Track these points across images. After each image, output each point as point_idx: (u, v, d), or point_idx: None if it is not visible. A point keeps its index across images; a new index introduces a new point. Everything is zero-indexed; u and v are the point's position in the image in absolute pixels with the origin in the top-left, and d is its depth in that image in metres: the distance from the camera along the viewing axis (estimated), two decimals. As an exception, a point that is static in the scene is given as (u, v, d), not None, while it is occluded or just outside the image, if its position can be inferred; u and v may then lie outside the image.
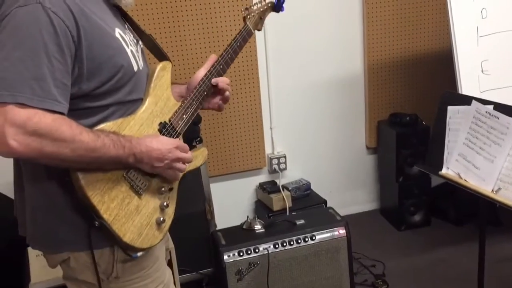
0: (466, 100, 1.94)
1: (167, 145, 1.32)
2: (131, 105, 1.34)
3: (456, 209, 3.33)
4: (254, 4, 1.75)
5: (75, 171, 1.19)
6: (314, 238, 2.45)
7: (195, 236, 2.70)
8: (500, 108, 1.83)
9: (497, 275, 2.72)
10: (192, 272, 2.89)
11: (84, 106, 1.25)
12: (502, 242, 3.03)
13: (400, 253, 3.06)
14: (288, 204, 3.06)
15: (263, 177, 3.34)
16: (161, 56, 1.51)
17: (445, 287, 2.70)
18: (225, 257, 2.35)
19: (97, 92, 1.25)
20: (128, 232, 1.26)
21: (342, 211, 2.67)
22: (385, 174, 3.50)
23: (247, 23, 1.69)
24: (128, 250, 1.29)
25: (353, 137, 3.52)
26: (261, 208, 3.18)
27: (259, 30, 1.78)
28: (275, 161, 3.29)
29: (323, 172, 3.47)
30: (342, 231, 2.50)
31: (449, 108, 1.99)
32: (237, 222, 2.62)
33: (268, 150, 3.32)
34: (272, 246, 2.40)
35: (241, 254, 2.37)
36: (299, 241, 2.44)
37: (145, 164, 1.29)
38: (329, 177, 3.49)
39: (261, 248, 2.39)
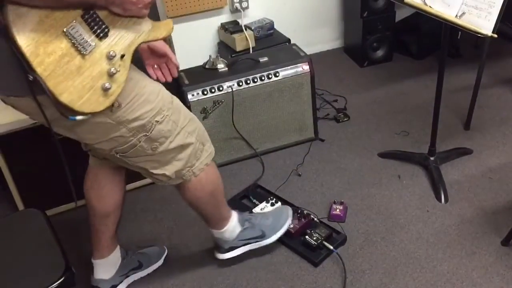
0: None
1: None
2: None
3: (418, 43, 3.35)
4: None
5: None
6: (277, 74, 2.45)
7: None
8: None
9: (452, 103, 2.84)
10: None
11: None
12: (460, 73, 3.11)
13: (361, 88, 3.13)
14: (251, 44, 2.99)
15: (224, 17, 3.22)
16: None
17: (403, 116, 2.81)
18: (189, 96, 2.35)
19: None
20: (65, 92, 1.21)
21: (306, 50, 2.63)
22: (350, 10, 3.41)
23: None
24: (67, 111, 1.24)
25: (318, -28, 3.36)
26: (224, 49, 3.11)
27: None
28: (236, 0, 3.14)
29: (286, 11, 3.35)
30: (306, 67, 2.50)
31: None
32: (200, 64, 2.57)
33: (228, -12, 3.15)
34: (236, 84, 2.40)
35: (205, 93, 2.37)
36: (263, 78, 2.43)
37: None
38: (293, 15, 3.39)
39: (225, 86, 2.39)
